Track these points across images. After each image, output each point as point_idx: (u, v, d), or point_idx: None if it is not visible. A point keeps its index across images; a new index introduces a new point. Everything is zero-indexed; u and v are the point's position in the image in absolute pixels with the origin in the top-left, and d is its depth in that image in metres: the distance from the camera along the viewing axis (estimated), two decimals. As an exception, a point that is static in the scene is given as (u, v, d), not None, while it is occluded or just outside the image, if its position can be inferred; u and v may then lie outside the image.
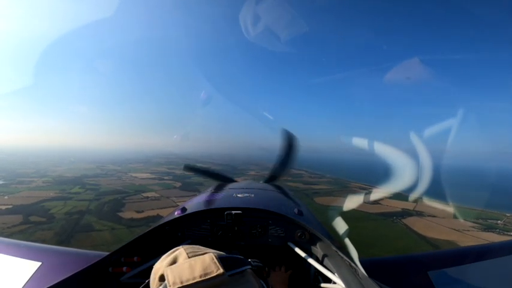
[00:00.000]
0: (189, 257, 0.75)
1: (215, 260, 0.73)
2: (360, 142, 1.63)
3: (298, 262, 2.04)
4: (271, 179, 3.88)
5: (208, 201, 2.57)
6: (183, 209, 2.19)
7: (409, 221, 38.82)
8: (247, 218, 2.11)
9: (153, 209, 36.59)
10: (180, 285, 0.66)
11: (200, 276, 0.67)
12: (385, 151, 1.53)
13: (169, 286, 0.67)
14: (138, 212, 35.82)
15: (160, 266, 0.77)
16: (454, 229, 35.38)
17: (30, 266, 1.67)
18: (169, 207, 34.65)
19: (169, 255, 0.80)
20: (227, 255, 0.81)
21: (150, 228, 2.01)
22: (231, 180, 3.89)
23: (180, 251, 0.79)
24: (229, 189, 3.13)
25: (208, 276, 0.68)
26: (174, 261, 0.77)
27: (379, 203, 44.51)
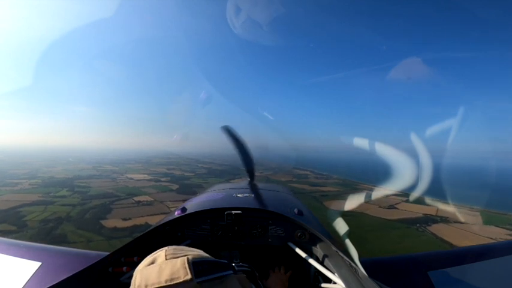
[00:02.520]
0: (166, 259, 0.70)
1: (186, 264, 0.67)
2: (360, 142, 1.63)
3: (298, 262, 2.03)
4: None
5: (208, 201, 2.53)
6: (183, 209, 2.20)
7: (437, 229, 34.22)
8: (247, 218, 2.11)
9: (142, 216, 32.34)
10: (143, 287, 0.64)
11: (166, 281, 0.64)
12: (386, 151, 1.54)
13: (134, 287, 0.67)
14: (124, 219, 31.49)
15: (139, 267, 0.73)
16: (491, 238, 30.75)
17: (30, 266, 1.65)
18: (161, 213, 30.79)
19: (151, 256, 0.75)
20: (204, 258, 0.74)
21: (150, 228, 2.03)
22: (252, 177, 3.63)
23: (160, 253, 0.73)
24: (229, 189, 3.14)
25: (174, 282, 0.64)
26: (152, 263, 0.72)
27: (396, 208, 41.60)
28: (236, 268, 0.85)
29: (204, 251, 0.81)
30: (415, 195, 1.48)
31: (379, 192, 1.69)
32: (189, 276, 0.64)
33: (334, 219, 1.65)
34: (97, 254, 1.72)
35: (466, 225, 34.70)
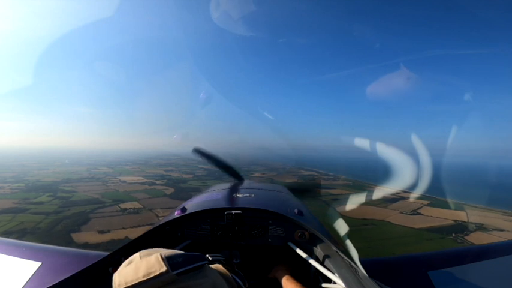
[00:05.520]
0: (140, 259, 0.75)
1: (160, 258, 0.72)
2: (362, 142, 1.63)
3: (299, 262, 2.02)
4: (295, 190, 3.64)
5: (208, 201, 2.56)
6: (183, 209, 2.20)
7: (477, 239, 29.55)
8: (247, 218, 2.10)
9: (123, 228, 27.34)
10: (124, 287, 0.67)
11: (143, 276, 0.68)
12: (388, 150, 1.54)
13: None
14: (101, 232, 26.58)
15: (117, 271, 0.77)
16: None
17: (30, 266, 1.65)
18: (147, 224, 26.00)
19: (127, 260, 0.79)
20: (178, 253, 0.79)
21: (150, 229, 2.05)
22: (240, 178, 3.72)
23: (135, 255, 0.78)
24: (229, 189, 3.12)
25: (151, 276, 0.68)
26: (129, 264, 0.77)
27: (420, 213, 37.67)
28: (210, 258, 0.93)
29: (204, 251, 0.86)
30: (417, 193, 1.50)
31: (385, 192, 1.67)
32: (164, 268, 0.68)
33: (333, 218, 1.66)
34: (97, 254, 1.72)
35: (506, 232, 30.87)
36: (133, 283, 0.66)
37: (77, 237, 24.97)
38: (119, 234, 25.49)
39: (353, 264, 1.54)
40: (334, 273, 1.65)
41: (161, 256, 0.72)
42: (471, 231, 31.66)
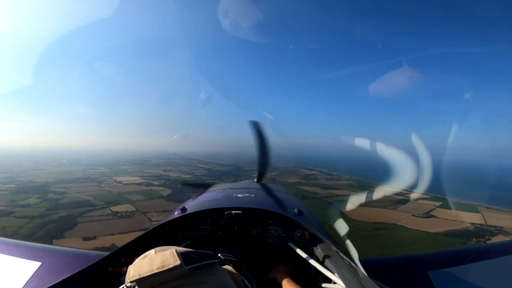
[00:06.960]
0: (155, 253, 0.77)
1: (175, 253, 0.74)
2: (362, 142, 1.63)
3: (299, 262, 2.02)
4: (260, 177, 3.74)
5: (208, 201, 2.56)
6: (183, 209, 2.20)
7: None
8: (247, 218, 2.11)
9: (112, 234, 25.13)
10: (137, 278, 0.68)
11: (157, 268, 0.69)
12: (389, 150, 1.54)
13: (128, 279, 0.70)
14: (86, 239, 24.39)
15: (131, 264, 0.80)
16: None
17: (30, 266, 1.65)
18: (138, 230, 23.66)
19: (142, 255, 0.81)
20: (191, 250, 0.82)
21: (150, 228, 2.05)
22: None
23: (150, 251, 0.80)
24: (229, 189, 3.11)
25: (165, 268, 0.69)
26: (144, 258, 0.79)
27: (433, 216, 35.80)
28: (222, 257, 0.96)
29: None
30: (419, 193, 1.49)
31: (388, 191, 1.66)
32: (178, 262, 0.70)
33: (333, 218, 1.66)
34: (97, 254, 1.71)
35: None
36: (147, 274, 0.67)
37: (59, 243, 22.70)
38: (106, 241, 23.29)
39: (353, 264, 1.54)
40: (334, 273, 1.66)
41: (176, 251, 0.74)
42: (492, 236, 29.31)
